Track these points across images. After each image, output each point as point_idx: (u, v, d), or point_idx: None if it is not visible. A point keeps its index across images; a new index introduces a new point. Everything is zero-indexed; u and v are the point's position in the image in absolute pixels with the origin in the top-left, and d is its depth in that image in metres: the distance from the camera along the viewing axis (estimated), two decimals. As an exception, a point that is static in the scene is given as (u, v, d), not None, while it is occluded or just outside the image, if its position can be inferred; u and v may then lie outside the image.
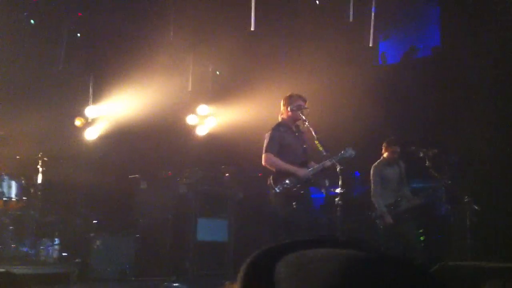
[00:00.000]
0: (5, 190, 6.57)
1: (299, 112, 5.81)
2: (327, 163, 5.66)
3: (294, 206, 5.68)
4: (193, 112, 9.66)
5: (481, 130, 8.60)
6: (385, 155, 6.98)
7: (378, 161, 7.00)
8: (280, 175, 5.73)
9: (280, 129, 5.84)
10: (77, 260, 6.68)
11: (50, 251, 6.59)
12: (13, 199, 6.62)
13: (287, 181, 5.67)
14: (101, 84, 9.09)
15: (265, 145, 5.79)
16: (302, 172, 5.65)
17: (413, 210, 6.85)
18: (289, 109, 5.84)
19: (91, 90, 8.98)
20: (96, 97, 9.02)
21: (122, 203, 7.72)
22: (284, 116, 5.90)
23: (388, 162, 6.94)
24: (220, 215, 7.79)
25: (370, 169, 7.05)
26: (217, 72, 10.38)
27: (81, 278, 6.55)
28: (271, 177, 5.77)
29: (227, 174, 8.18)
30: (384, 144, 7.01)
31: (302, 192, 5.75)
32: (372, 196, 6.89)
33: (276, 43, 10.28)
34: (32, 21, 9.11)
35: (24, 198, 6.78)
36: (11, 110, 8.23)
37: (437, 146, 7.03)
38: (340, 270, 0.76)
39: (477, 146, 8.60)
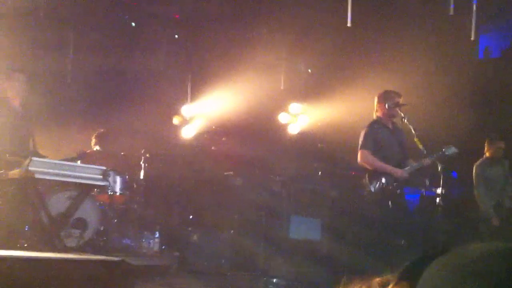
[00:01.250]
0: (111, 184, 6.92)
1: (397, 108, 5.66)
2: (427, 161, 5.48)
3: (390, 206, 5.55)
4: (286, 110, 9.70)
5: None
6: (488, 153, 6.63)
7: (481, 159, 6.67)
8: (376, 173, 5.62)
9: (375, 126, 5.73)
10: (175, 254, 6.92)
11: (151, 243, 6.88)
12: (117, 193, 6.98)
13: (383, 180, 5.55)
14: (199, 83, 9.36)
15: (360, 142, 5.70)
16: (399, 172, 5.50)
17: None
18: (386, 106, 5.70)
19: (189, 89, 9.28)
20: (194, 96, 9.30)
21: (218, 200, 7.91)
22: (380, 113, 5.76)
23: (491, 161, 6.59)
24: (313, 213, 7.76)
25: (468, 169, 6.73)
26: (309, 70, 10.34)
27: (179, 270, 6.78)
28: (366, 175, 5.68)
29: (320, 172, 8.13)
30: (486, 141, 6.67)
31: (398, 191, 5.61)
32: (477, 197, 6.56)
33: (372, 39, 10.07)
34: (133, 24, 9.56)
35: (127, 192, 7.13)
36: (116, 109, 8.68)
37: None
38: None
39: None
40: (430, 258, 0.78)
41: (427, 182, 5.72)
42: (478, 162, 6.65)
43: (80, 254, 5.17)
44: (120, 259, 4.01)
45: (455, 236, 7.19)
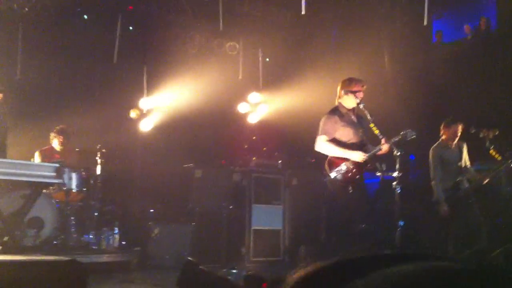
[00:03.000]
0: (66, 181, 6.77)
1: (353, 95, 5.69)
2: (384, 146, 5.52)
3: (350, 191, 5.59)
4: (245, 100, 9.66)
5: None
6: (443, 136, 6.73)
7: (437, 143, 6.77)
8: (335, 160, 5.64)
9: (336, 113, 5.74)
10: (136, 249, 6.83)
11: (111, 240, 6.77)
12: (73, 190, 6.83)
13: (342, 166, 5.58)
14: (155, 75, 9.22)
15: (319, 129, 5.71)
16: (355, 154, 5.54)
17: (474, 192, 6.59)
18: (342, 92, 5.73)
19: (145, 82, 9.13)
20: (150, 89, 9.16)
21: (178, 192, 7.83)
22: (341, 100, 5.79)
23: (447, 144, 6.69)
24: (275, 202, 7.77)
25: (426, 152, 6.83)
26: (267, 59, 10.32)
27: (140, 265, 6.70)
28: (326, 162, 5.70)
29: (280, 161, 8.14)
30: (442, 125, 6.76)
31: (357, 177, 5.65)
32: (432, 180, 6.68)
33: (327, 26, 10.12)
34: (85, 16, 9.32)
35: (84, 189, 6.98)
36: (70, 105, 8.48)
37: (499, 126, 6.73)
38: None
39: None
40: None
41: (384, 167, 5.76)
42: (434, 146, 6.75)
43: (32, 255, 5.02)
44: (70, 258, 3.90)
45: (413, 219, 7.32)
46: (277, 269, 6.68)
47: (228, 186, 7.72)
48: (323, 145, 5.64)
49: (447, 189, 6.57)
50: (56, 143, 7.55)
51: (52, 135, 7.57)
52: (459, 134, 6.60)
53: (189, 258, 1.86)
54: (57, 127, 7.57)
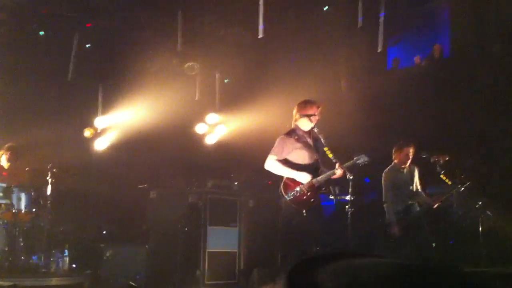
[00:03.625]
0: (14, 202, 6.59)
1: (308, 118, 5.75)
2: (338, 170, 5.59)
3: (305, 214, 5.62)
4: (202, 120, 9.64)
5: (496, 133, 8.51)
6: (396, 160, 6.89)
7: (390, 166, 6.91)
8: (290, 183, 5.67)
9: (292, 135, 5.77)
10: (87, 271, 6.66)
11: (60, 262, 6.59)
12: (22, 211, 6.64)
13: (297, 189, 5.61)
14: (110, 94, 9.12)
15: (272, 148, 5.75)
16: (302, 175, 5.57)
17: (425, 215, 6.74)
18: (298, 115, 5.78)
19: (100, 100, 9.00)
20: (105, 108, 9.04)
21: (132, 213, 7.71)
22: (297, 122, 5.83)
23: (399, 167, 6.84)
24: (231, 224, 7.74)
25: (380, 176, 6.96)
26: (225, 80, 10.36)
27: (93, 288, 6.53)
28: (281, 185, 5.71)
29: (236, 183, 8.13)
30: (394, 149, 6.92)
31: (312, 200, 5.68)
32: (384, 203, 6.80)
33: (285, 49, 10.25)
34: (41, 33, 9.16)
35: (33, 209, 6.79)
36: (20, 122, 8.28)
37: (450, 152, 6.93)
38: (396, 280, 0.78)
39: (492, 152, 8.50)
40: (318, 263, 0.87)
41: (337, 190, 5.84)
42: (386, 169, 6.88)
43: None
44: (11, 284, 3.78)
45: (366, 241, 7.42)
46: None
47: (183, 207, 7.64)
48: (272, 164, 5.68)
49: (398, 212, 6.70)
50: (3, 159, 7.34)
51: (1, 151, 7.37)
52: (410, 156, 6.76)
53: (131, 283, 1.83)
54: (6, 145, 7.36)
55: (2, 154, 7.35)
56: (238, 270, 7.68)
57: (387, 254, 7.01)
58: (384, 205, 6.78)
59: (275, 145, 5.75)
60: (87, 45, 9.54)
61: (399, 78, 10.21)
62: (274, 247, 7.90)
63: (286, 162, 5.67)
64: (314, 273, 0.85)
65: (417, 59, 10.25)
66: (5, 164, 7.36)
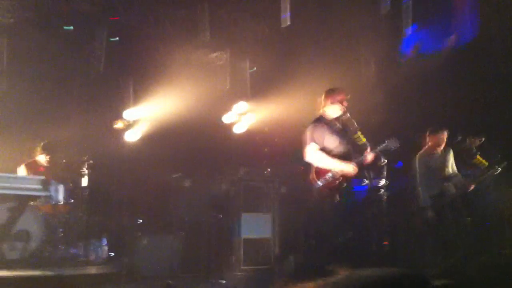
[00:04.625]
0: (53, 194, 6.73)
1: (338, 104, 5.72)
2: (369, 155, 5.56)
3: (338, 199, 5.60)
4: (231, 110, 9.68)
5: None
6: (429, 143, 6.81)
7: (422, 150, 6.84)
8: (322, 168, 5.65)
9: (321, 122, 5.75)
10: (124, 260, 6.78)
11: (99, 251, 6.72)
12: (61, 203, 6.79)
13: (329, 175, 5.59)
14: (141, 86, 9.20)
15: (307, 138, 5.71)
16: (347, 166, 5.55)
17: (461, 198, 6.65)
18: (327, 102, 5.76)
19: (131, 92, 9.10)
20: (137, 99, 9.14)
21: (167, 203, 7.80)
22: (325, 109, 5.81)
23: (432, 151, 6.77)
24: (264, 210, 7.78)
25: (412, 160, 6.89)
26: (254, 68, 10.36)
27: (129, 276, 6.64)
28: (313, 171, 5.70)
29: (268, 169, 8.15)
30: (427, 133, 6.84)
31: (344, 185, 5.66)
32: (418, 187, 6.74)
33: (310, 38, 10.19)
34: (68, 28, 9.29)
35: (71, 201, 6.94)
36: (55, 117, 8.43)
37: (484, 134, 6.82)
38: None
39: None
40: None
41: (371, 175, 5.81)
42: (419, 153, 6.82)
43: (18, 270, 4.97)
44: (53, 273, 3.88)
45: (401, 226, 7.36)
46: (268, 277, 6.68)
47: (217, 195, 7.71)
48: (314, 155, 5.61)
49: (433, 195, 6.63)
50: (42, 158, 7.47)
51: (37, 150, 7.48)
52: (444, 141, 6.68)
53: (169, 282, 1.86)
54: (41, 144, 7.45)
55: (40, 155, 7.45)
56: (273, 256, 7.72)
57: (424, 239, 6.96)
58: (418, 189, 6.72)
59: (309, 134, 5.69)
60: (116, 39, 9.64)
61: (426, 63, 10.06)
62: (307, 233, 7.92)
63: (323, 150, 5.63)
64: None
65: (449, 40, 10.05)
66: (44, 162, 7.48)
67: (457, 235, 6.50)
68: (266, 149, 9.01)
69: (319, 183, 5.60)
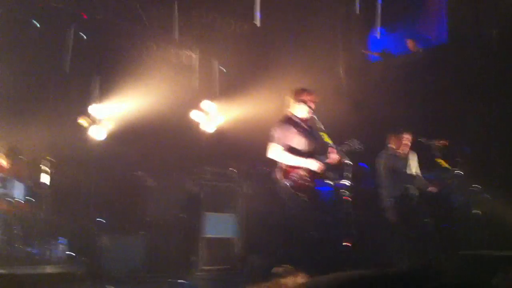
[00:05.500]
0: (11, 191, 6.57)
1: (305, 104, 5.72)
2: (332, 154, 5.55)
3: (304, 200, 5.58)
4: (199, 109, 9.62)
5: (492, 121, 8.47)
6: (393, 145, 6.85)
7: (383, 150, 6.89)
8: (288, 168, 5.63)
9: (287, 122, 5.74)
10: (84, 259, 6.66)
11: (57, 251, 6.58)
12: (18, 200, 6.62)
13: (295, 174, 5.57)
14: (107, 85, 9.07)
15: (271, 136, 5.70)
16: (311, 163, 5.54)
17: (424, 200, 6.70)
18: (297, 102, 5.75)
19: (97, 90, 8.96)
20: (103, 97, 9.00)
21: (129, 202, 7.69)
22: (292, 109, 5.81)
23: (394, 152, 6.81)
24: (228, 210, 7.74)
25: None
26: (224, 70, 10.33)
27: (90, 277, 6.51)
28: (278, 171, 5.68)
29: (234, 170, 8.11)
30: (391, 134, 6.88)
31: (311, 185, 5.66)
32: (379, 187, 6.77)
33: (282, 38, 10.22)
34: (37, 24, 9.12)
35: (30, 199, 6.78)
36: (18, 113, 8.25)
37: (448, 138, 6.89)
38: None
39: (489, 137, 8.46)
40: None
41: (333, 175, 5.80)
42: (380, 153, 6.86)
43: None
44: (5, 271, 3.76)
45: (365, 227, 7.38)
46: (229, 278, 6.63)
47: (181, 195, 7.65)
48: (276, 152, 5.60)
49: (396, 196, 6.67)
50: (2, 161, 7.26)
51: None
52: (406, 142, 6.72)
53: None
54: (3, 148, 7.20)
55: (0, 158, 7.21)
56: (236, 256, 7.68)
57: (386, 240, 6.99)
58: (380, 190, 6.75)
59: (274, 133, 5.68)
60: (83, 37, 9.49)
61: (396, 65, 10.17)
62: (270, 233, 7.89)
63: (287, 149, 5.62)
64: None
65: (410, 44, 10.18)
66: (5, 164, 7.27)
67: (420, 236, 6.54)
68: (231, 149, 8.97)
69: (286, 182, 5.57)
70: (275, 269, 3.99)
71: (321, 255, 5.59)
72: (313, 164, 5.53)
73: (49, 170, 6.99)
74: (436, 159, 6.62)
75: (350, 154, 5.66)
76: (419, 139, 6.79)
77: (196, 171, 7.87)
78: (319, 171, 5.58)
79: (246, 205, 7.86)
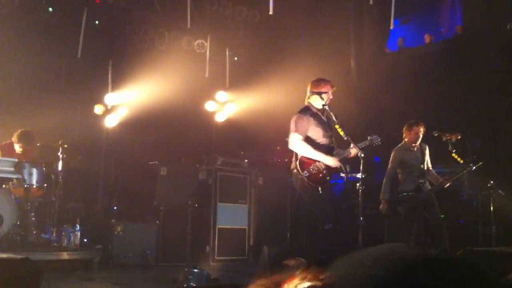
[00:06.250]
0: (26, 177, 6.58)
1: (319, 96, 5.69)
2: (353, 149, 5.54)
3: (320, 192, 5.57)
4: (212, 98, 9.61)
5: (505, 114, 8.44)
6: (406, 138, 6.84)
7: (400, 144, 6.87)
8: (306, 160, 5.61)
9: (308, 112, 5.71)
10: (98, 246, 6.70)
11: (72, 237, 6.62)
12: (34, 186, 6.64)
13: (313, 166, 5.55)
14: (121, 71, 9.07)
15: (292, 127, 5.66)
16: (330, 160, 5.53)
17: (436, 194, 6.70)
18: (314, 93, 5.73)
19: (110, 77, 8.96)
20: (115, 85, 9.00)
21: (143, 190, 7.72)
22: (310, 100, 5.78)
23: (409, 146, 6.79)
24: (240, 201, 7.76)
25: (390, 155, 6.91)
26: (235, 58, 10.29)
27: (103, 264, 6.57)
28: (297, 162, 5.64)
29: (246, 160, 8.12)
30: (404, 128, 6.87)
31: (328, 178, 5.64)
32: (385, 177, 6.78)
33: (295, 27, 10.17)
34: (50, 9, 9.09)
35: (45, 185, 6.80)
36: (33, 99, 8.26)
37: (461, 131, 6.87)
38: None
39: (501, 131, 8.45)
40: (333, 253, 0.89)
41: (348, 168, 5.81)
42: (396, 147, 6.85)
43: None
44: (23, 257, 3.79)
45: (376, 219, 7.41)
46: (241, 268, 6.66)
47: (193, 184, 7.66)
48: (298, 144, 5.55)
49: (409, 190, 6.67)
50: (17, 147, 7.27)
51: (14, 137, 7.24)
52: (420, 135, 6.70)
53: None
54: (17, 132, 7.22)
55: (15, 144, 7.22)
56: (248, 247, 7.71)
57: (397, 233, 7.01)
58: (384, 180, 6.75)
59: (294, 123, 5.63)
60: (96, 22, 9.46)
61: (408, 58, 10.12)
62: (283, 224, 7.92)
63: (307, 141, 5.60)
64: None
65: (427, 37, 10.14)
66: (18, 150, 7.28)
67: (435, 228, 6.55)
68: (244, 139, 8.98)
69: (303, 174, 5.56)
70: (288, 261, 3.99)
71: (332, 247, 5.61)
72: (332, 161, 5.51)
73: (62, 156, 6.99)
74: (450, 153, 6.60)
75: (367, 148, 5.67)
76: (433, 132, 6.77)
77: (209, 160, 7.88)
78: (336, 167, 5.57)
79: (258, 195, 7.88)
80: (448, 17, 10.73)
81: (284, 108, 6.69)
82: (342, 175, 6.28)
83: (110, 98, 8.78)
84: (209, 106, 9.57)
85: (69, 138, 7.29)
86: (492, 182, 6.99)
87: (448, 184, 6.62)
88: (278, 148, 7.61)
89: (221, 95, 9.62)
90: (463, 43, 9.77)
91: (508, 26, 8.94)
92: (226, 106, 9.65)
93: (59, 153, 6.95)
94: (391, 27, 8.39)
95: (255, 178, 7.95)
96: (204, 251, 7.34)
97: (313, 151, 5.52)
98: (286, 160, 7.33)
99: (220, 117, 9.60)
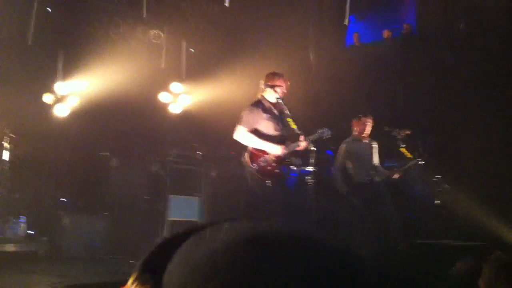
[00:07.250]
0: (-31, 167, 6.36)
1: (273, 90, 5.72)
2: (302, 142, 5.59)
3: (270, 185, 5.61)
4: (167, 89, 9.49)
5: (455, 111, 8.65)
6: (355, 130, 6.94)
7: (349, 137, 6.98)
8: (256, 152, 5.64)
9: (259, 106, 5.74)
10: (44, 238, 6.54)
11: (17, 228, 6.44)
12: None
13: (263, 159, 5.59)
14: (73, 60, 8.84)
15: (239, 119, 5.69)
16: (275, 148, 5.57)
17: (386, 187, 6.81)
18: (268, 86, 5.76)
19: (60, 65, 8.72)
20: (67, 73, 8.77)
21: (92, 181, 7.57)
22: (264, 93, 5.81)
23: (358, 138, 6.89)
24: (193, 193, 7.71)
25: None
26: (192, 50, 10.20)
27: (50, 256, 6.42)
28: (246, 155, 5.68)
29: (200, 153, 8.07)
30: (353, 121, 6.98)
31: (277, 170, 5.68)
32: (334, 169, 6.87)
33: (251, 19, 10.14)
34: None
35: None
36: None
37: (411, 127, 7.00)
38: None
39: (454, 127, 8.66)
40: (173, 245, 0.72)
41: (299, 161, 5.85)
42: (345, 140, 6.94)
43: None
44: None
45: (329, 213, 7.48)
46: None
47: (145, 176, 7.57)
48: (242, 135, 5.62)
49: (360, 183, 6.77)
50: None
51: None
52: (368, 127, 6.82)
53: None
54: None
55: None
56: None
57: (350, 227, 7.09)
58: (336, 173, 6.84)
59: (243, 115, 5.69)
60: (48, 9, 9.20)
61: (364, 53, 10.25)
62: (235, 217, 7.90)
63: (254, 133, 5.63)
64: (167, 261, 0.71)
65: (386, 33, 10.28)
66: None
67: (387, 221, 6.66)
68: (198, 132, 8.92)
69: (253, 166, 5.59)
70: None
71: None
72: (276, 149, 5.56)
73: (9, 146, 6.78)
74: (399, 148, 6.73)
75: (317, 141, 5.72)
76: (383, 128, 6.89)
77: (162, 152, 7.79)
78: (282, 155, 5.62)
79: (211, 188, 7.84)
80: (403, 14, 10.90)
81: (240, 102, 6.67)
82: (293, 168, 6.33)
83: (61, 87, 8.54)
84: (163, 97, 9.44)
85: (16, 127, 7.08)
86: (439, 176, 7.17)
87: (396, 176, 6.73)
88: (232, 153, 7.61)
89: (176, 86, 9.51)
90: (417, 41, 9.96)
91: (461, 26, 9.16)
92: (180, 98, 9.55)
93: (5, 142, 6.75)
94: (346, 23, 8.48)
95: (208, 171, 7.92)
96: (155, 244, 7.26)
97: (257, 141, 5.58)
98: (240, 153, 7.32)
99: (174, 109, 9.49)
